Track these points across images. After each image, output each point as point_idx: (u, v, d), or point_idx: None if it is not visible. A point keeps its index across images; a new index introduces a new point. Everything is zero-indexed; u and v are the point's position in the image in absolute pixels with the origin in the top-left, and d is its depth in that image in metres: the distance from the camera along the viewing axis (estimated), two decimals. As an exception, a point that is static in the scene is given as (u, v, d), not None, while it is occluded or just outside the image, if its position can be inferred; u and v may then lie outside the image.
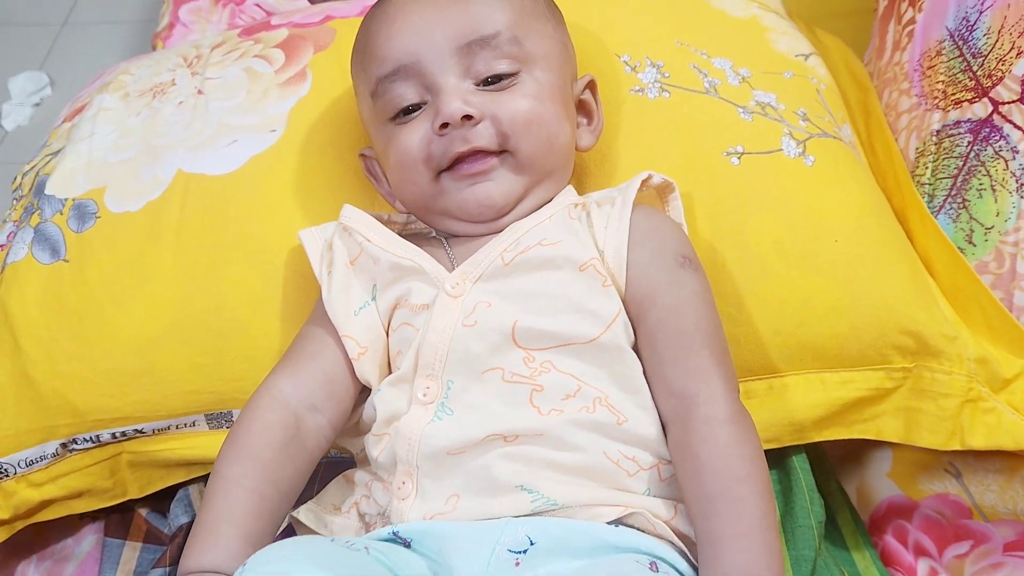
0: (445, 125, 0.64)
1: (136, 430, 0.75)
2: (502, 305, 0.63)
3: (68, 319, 0.75)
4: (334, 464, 0.69)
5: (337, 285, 0.67)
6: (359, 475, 0.67)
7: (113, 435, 0.75)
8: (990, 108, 0.77)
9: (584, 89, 0.73)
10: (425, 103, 0.67)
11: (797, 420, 0.71)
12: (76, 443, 0.75)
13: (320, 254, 0.69)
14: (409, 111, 0.67)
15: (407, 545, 0.59)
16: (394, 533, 0.59)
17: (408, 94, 0.67)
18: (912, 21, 0.86)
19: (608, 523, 0.58)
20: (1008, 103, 0.76)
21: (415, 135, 0.66)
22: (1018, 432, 0.69)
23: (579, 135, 0.72)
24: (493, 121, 0.65)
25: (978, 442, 0.69)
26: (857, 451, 0.79)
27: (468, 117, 0.64)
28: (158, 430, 0.76)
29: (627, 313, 0.64)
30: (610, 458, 0.60)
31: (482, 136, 0.65)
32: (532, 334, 0.62)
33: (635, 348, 0.64)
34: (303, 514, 0.66)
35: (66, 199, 0.80)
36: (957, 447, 0.70)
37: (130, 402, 0.74)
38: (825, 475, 0.78)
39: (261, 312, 0.74)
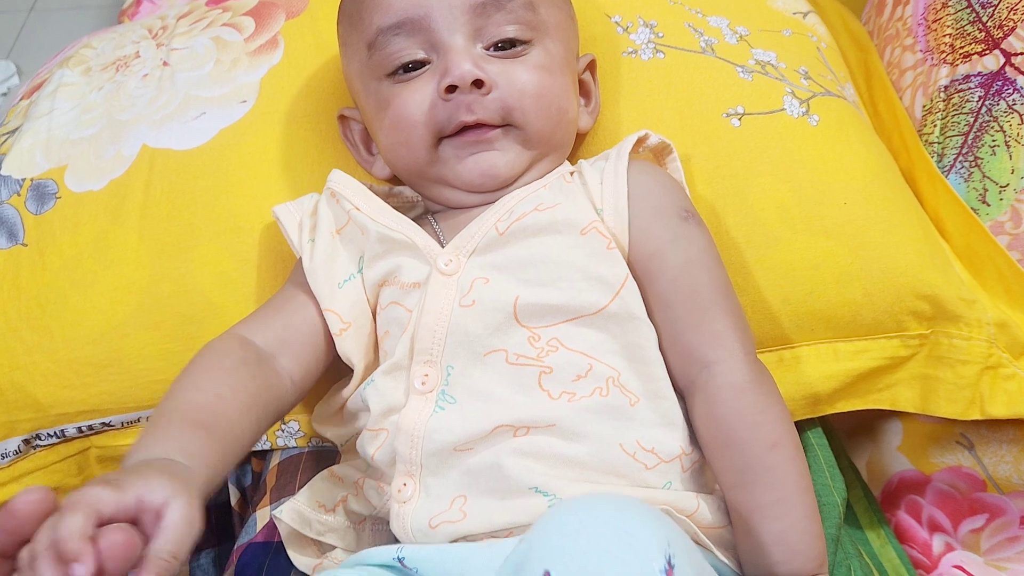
0: (452, 88, 0.60)
1: (104, 423, 0.72)
2: (500, 279, 0.59)
3: (27, 307, 0.71)
4: (316, 455, 0.65)
5: (321, 254, 0.63)
6: (346, 471, 0.63)
7: (79, 429, 0.72)
8: (1002, 60, 0.74)
9: (584, 69, 0.70)
10: (429, 62, 0.62)
11: (811, 392, 0.69)
12: (40, 439, 0.72)
13: (298, 225, 0.65)
14: (409, 68, 0.63)
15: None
16: (399, 559, 0.54)
17: (412, 49, 0.62)
18: (915, -27, 0.83)
19: None
20: (1021, 54, 0.73)
21: (418, 95, 0.61)
22: (1040, 400, 0.66)
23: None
24: (501, 93, 0.61)
25: (999, 411, 0.67)
26: (866, 425, 0.77)
27: (479, 82, 0.60)
28: (127, 423, 0.72)
29: (633, 276, 0.60)
30: (626, 450, 0.56)
31: (487, 108, 0.61)
32: (535, 310, 0.58)
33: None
34: (286, 513, 0.62)
35: (24, 179, 0.76)
36: (977, 416, 0.68)
37: (96, 393, 0.70)
38: (835, 450, 0.75)
39: (233, 294, 0.71)
